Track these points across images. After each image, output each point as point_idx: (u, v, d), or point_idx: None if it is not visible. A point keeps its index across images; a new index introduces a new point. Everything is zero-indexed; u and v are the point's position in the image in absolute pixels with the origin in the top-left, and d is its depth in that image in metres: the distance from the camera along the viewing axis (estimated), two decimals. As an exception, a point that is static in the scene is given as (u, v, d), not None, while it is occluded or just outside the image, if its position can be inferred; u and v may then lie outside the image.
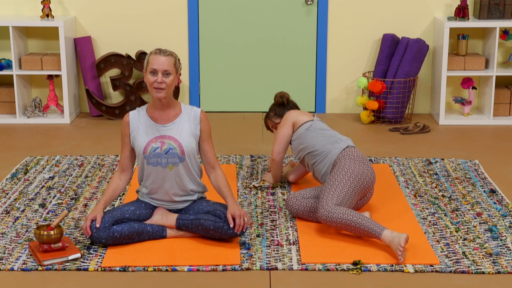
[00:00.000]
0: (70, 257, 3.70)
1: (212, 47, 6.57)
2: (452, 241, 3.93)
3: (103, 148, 5.64)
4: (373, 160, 5.29)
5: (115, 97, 6.68)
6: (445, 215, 4.29)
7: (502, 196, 4.57)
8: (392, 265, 3.66)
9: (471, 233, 4.04)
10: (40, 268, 3.64)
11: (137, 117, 3.96)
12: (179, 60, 3.88)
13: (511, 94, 6.42)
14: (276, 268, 3.65)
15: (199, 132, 3.96)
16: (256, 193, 4.65)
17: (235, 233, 3.83)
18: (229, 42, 6.57)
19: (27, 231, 4.07)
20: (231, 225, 3.80)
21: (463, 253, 3.78)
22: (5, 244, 3.90)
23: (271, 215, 4.30)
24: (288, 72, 6.63)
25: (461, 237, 3.98)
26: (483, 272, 3.60)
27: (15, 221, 4.20)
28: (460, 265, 3.66)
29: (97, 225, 3.81)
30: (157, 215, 3.98)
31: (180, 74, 3.92)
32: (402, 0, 6.46)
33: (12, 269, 3.63)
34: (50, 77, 6.38)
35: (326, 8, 6.47)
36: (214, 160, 4.02)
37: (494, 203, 4.47)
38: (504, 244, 3.89)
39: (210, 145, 4.01)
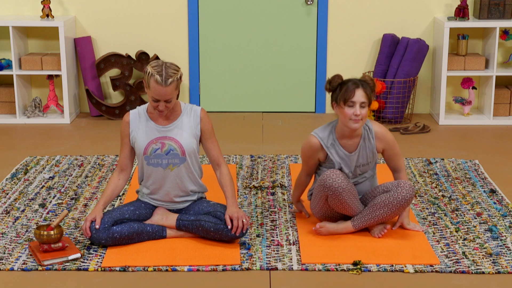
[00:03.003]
0: (70, 257, 3.70)
1: (212, 47, 6.57)
2: (452, 241, 3.93)
3: (103, 148, 5.63)
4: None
5: (115, 97, 6.67)
6: (445, 215, 4.28)
7: (502, 196, 4.57)
8: (392, 265, 3.65)
9: (471, 233, 4.04)
10: (40, 268, 3.64)
11: (137, 117, 3.95)
12: (180, 76, 3.79)
13: (511, 94, 6.42)
14: (276, 268, 3.64)
15: (199, 131, 3.94)
16: (256, 193, 4.65)
17: (235, 235, 3.82)
18: (229, 42, 6.57)
19: (27, 231, 4.07)
20: (229, 226, 3.79)
21: (463, 253, 3.78)
22: (5, 244, 3.90)
23: (271, 215, 4.30)
24: (288, 72, 6.62)
25: (461, 237, 3.98)
26: (483, 272, 3.60)
27: (15, 221, 4.20)
28: (460, 265, 3.66)
29: (97, 226, 3.80)
30: (157, 215, 3.97)
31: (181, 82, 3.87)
32: (402, 0, 6.46)
33: (12, 269, 3.63)
34: (50, 77, 6.37)
35: (326, 8, 6.47)
36: (219, 157, 3.99)
37: (494, 203, 4.47)
38: (504, 244, 3.89)
39: (214, 143, 3.99)
